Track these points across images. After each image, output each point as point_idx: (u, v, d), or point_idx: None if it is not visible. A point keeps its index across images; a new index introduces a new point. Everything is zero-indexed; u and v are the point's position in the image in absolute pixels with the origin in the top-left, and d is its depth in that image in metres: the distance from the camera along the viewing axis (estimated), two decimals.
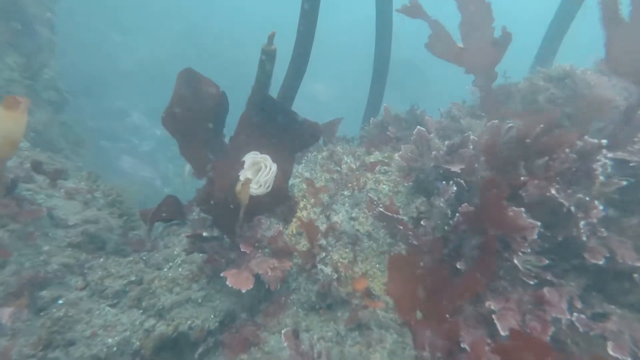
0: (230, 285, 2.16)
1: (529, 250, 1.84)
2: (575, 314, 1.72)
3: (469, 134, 2.16)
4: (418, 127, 2.50)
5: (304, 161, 3.40)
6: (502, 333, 1.63)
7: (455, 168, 2.05)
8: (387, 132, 3.31)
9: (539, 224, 1.85)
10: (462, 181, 2.05)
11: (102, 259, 2.39)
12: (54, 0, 6.21)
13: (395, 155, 2.61)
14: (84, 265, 2.30)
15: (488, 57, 2.97)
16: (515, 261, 1.82)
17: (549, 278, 1.81)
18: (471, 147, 2.27)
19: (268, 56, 2.84)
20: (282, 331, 2.07)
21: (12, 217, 2.05)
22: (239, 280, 2.20)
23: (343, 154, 3.24)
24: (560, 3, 4.35)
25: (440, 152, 2.17)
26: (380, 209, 2.29)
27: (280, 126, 2.70)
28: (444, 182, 2.15)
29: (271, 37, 2.80)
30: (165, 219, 2.78)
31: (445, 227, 2.12)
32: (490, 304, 1.74)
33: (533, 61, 4.48)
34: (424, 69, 15.85)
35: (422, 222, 2.40)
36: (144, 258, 2.48)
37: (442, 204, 2.13)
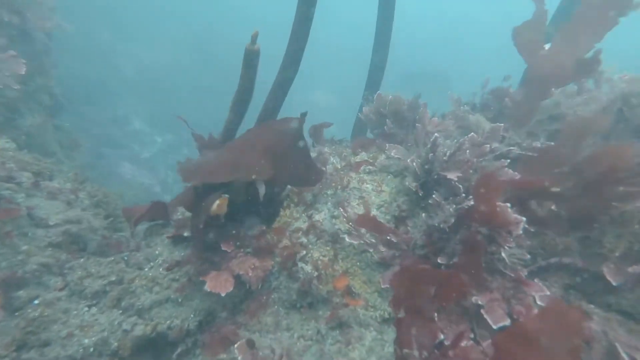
0: (209, 290, 2.14)
1: (514, 245, 1.83)
2: None
3: (464, 140, 2.13)
4: (417, 124, 2.47)
5: None
6: (494, 326, 1.60)
7: (452, 175, 2.01)
8: (384, 127, 3.19)
9: (524, 219, 1.83)
10: (460, 186, 2.02)
11: (82, 259, 2.38)
12: (53, 8, 6.30)
13: (392, 152, 2.59)
14: (64, 266, 2.29)
15: (565, 73, 2.56)
16: (503, 255, 1.79)
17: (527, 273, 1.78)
18: (467, 152, 2.24)
19: (252, 56, 2.84)
20: (235, 345, 2.04)
21: None
22: (218, 283, 2.18)
23: (330, 154, 3.22)
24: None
25: (440, 158, 2.13)
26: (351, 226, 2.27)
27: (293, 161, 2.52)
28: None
29: (254, 37, 2.80)
30: (149, 220, 2.77)
31: (429, 224, 2.09)
32: (477, 299, 1.71)
33: None
34: (449, 78, 15.85)
35: (407, 221, 2.40)
36: (126, 258, 2.47)
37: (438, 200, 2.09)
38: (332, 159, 3.15)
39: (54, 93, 5.71)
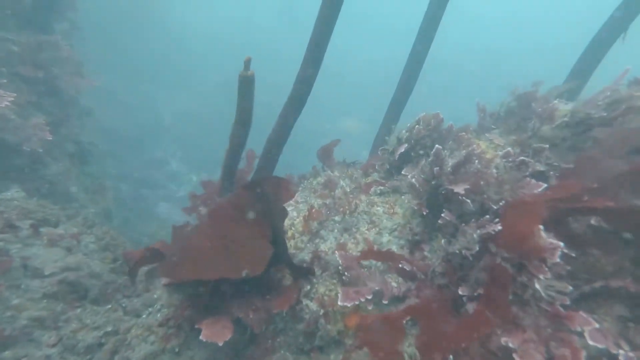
0: (204, 340, 1.92)
1: (549, 276, 1.47)
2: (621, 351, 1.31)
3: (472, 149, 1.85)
4: (437, 146, 2.17)
5: (300, 188, 3.20)
6: None
7: (459, 189, 1.72)
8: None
9: (561, 244, 1.49)
10: (468, 200, 1.73)
11: (79, 310, 2.25)
12: (80, 63, 6.72)
13: (409, 177, 2.30)
14: (59, 318, 2.17)
15: None
16: (537, 286, 1.45)
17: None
18: (476, 161, 1.95)
19: (245, 83, 2.74)
20: None
21: None
22: (214, 332, 1.95)
23: (339, 177, 3.00)
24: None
25: (446, 169, 1.85)
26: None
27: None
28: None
29: (247, 63, 2.71)
30: (150, 262, 2.64)
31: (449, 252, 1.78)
32: (507, 341, 1.37)
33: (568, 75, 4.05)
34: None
35: (422, 246, 2.10)
36: (124, 305, 2.32)
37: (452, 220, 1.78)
38: (341, 182, 2.92)
39: (80, 141, 5.96)
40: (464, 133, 2.49)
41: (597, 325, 1.34)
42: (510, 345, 1.35)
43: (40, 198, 3.61)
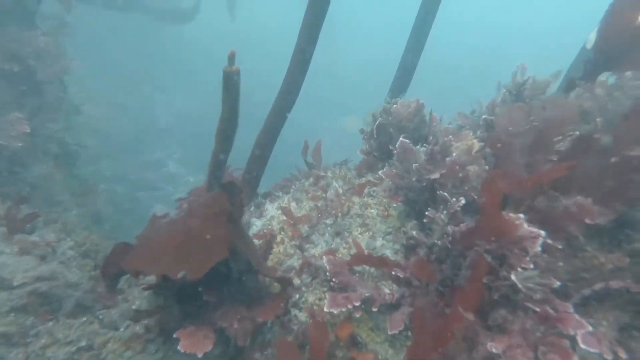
0: (182, 350, 1.77)
1: (531, 266, 1.38)
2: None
3: (449, 139, 1.74)
4: (401, 139, 2.09)
5: (292, 190, 3.06)
6: None
7: (436, 175, 1.62)
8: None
9: (543, 233, 1.40)
10: (445, 194, 1.61)
11: (51, 323, 2.09)
12: (71, 60, 6.51)
13: (380, 172, 2.21)
14: (28, 333, 2.01)
15: None
16: (513, 278, 1.36)
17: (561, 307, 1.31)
18: (454, 154, 1.85)
19: (230, 78, 2.58)
20: None
21: None
22: (194, 342, 1.80)
23: (332, 178, 2.86)
24: None
25: (420, 161, 1.75)
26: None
27: None
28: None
29: (231, 57, 2.56)
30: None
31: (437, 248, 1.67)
32: (492, 346, 1.25)
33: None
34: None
35: (418, 250, 1.97)
36: (100, 317, 2.17)
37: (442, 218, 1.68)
38: (334, 183, 2.78)
39: (65, 142, 5.76)
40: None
41: (590, 329, 1.23)
42: (494, 350, 1.23)
43: (20, 202, 3.43)
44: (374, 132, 2.52)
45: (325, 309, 1.71)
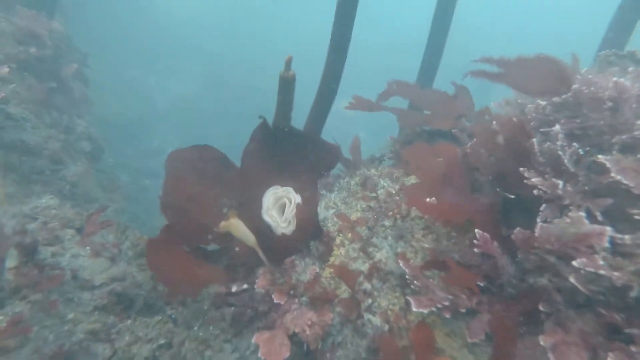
0: (262, 358, 1.88)
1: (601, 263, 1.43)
2: None
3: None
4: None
5: (336, 189, 3.12)
6: None
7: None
8: None
9: (609, 228, 1.45)
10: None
11: (129, 321, 2.21)
12: (86, 54, 6.57)
13: None
14: (111, 330, 2.13)
15: None
16: (572, 280, 1.42)
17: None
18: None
19: (287, 83, 2.64)
20: None
21: (32, 287, 1.93)
22: (272, 349, 1.92)
23: (379, 177, 2.92)
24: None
25: None
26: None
27: (292, 152, 2.48)
28: None
29: (288, 63, 2.61)
30: None
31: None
32: (542, 339, 1.34)
33: None
34: None
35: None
36: (173, 317, 2.28)
37: None
38: (382, 182, 2.84)
39: (93, 138, 5.85)
40: None
41: None
42: (543, 343, 1.32)
43: (64, 201, 3.54)
44: None
45: (414, 309, 1.78)
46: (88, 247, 2.44)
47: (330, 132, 3.49)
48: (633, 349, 1.32)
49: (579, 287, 1.44)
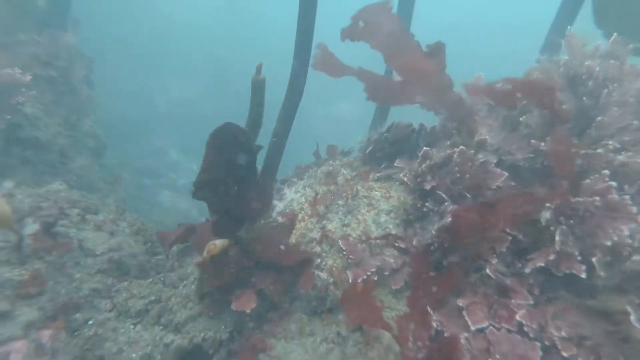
0: (235, 309, 2.36)
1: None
2: None
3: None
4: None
5: (305, 177, 3.59)
6: (472, 327, 1.67)
7: (428, 186, 2.14)
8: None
9: (509, 237, 1.87)
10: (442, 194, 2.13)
11: (126, 282, 2.69)
12: (92, 59, 7.08)
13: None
14: (111, 289, 2.61)
15: None
16: (488, 271, 1.86)
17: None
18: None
19: (258, 86, 3.10)
20: None
21: (47, 251, 2.41)
22: (242, 303, 2.40)
23: (341, 166, 3.38)
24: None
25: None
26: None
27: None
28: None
29: (259, 68, 3.07)
30: (181, 242, 3.06)
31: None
32: (459, 301, 1.79)
33: None
34: None
35: (415, 224, 2.50)
36: (162, 279, 2.75)
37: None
38: (342, 170, 3.30)
39: (97, 135, 6.36)
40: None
41: (531, 302, 1.72)
42: (460, 304, 1.77)
43: (71, 188, 4.04)
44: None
45: (350, 281, 2.26)
46: (92, 223, 2.92)
47: (326, 137, 3.79)
48: (512, 302, 1.79)
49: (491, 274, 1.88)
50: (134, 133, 12.88)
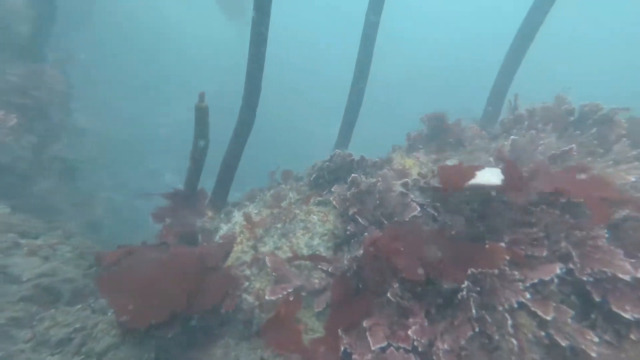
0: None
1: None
2: None
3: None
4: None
5: (256, 200, 3.57)
6: (372, 347, 1.63)
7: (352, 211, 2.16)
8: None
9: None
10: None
11: (53, 310, 2.59)
12: (72, 86, 7.20)
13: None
14: (35, 317, 2.51)
15: None
16: (389, 295, 1.85)
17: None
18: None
19: (201, 113, 3.15)
20: None
21: None
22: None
23: (289, 190, 3.37)
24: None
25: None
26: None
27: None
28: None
29: (201, 96, 3.13)
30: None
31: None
32: (364, 323, 1.77)
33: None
34: None
35: (343, 247, 2.48)
36: (92, 305, 2.67)
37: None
38: (290, 194, 3.29)
39: (67, 159, 6.35)
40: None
41: (425, 323, 1.71)
42: (364, 325, 1.74)
43: (28, 212, 3.98)
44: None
45: (266, 297, 2.21)
46: (25, 248, 2.86)
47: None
48: (410, 320, 1.76)
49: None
50: (132, 155, 13.00)
